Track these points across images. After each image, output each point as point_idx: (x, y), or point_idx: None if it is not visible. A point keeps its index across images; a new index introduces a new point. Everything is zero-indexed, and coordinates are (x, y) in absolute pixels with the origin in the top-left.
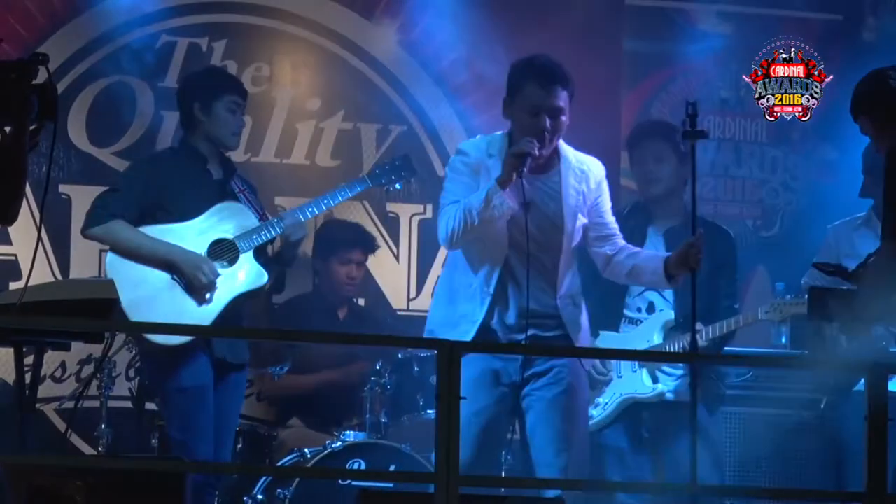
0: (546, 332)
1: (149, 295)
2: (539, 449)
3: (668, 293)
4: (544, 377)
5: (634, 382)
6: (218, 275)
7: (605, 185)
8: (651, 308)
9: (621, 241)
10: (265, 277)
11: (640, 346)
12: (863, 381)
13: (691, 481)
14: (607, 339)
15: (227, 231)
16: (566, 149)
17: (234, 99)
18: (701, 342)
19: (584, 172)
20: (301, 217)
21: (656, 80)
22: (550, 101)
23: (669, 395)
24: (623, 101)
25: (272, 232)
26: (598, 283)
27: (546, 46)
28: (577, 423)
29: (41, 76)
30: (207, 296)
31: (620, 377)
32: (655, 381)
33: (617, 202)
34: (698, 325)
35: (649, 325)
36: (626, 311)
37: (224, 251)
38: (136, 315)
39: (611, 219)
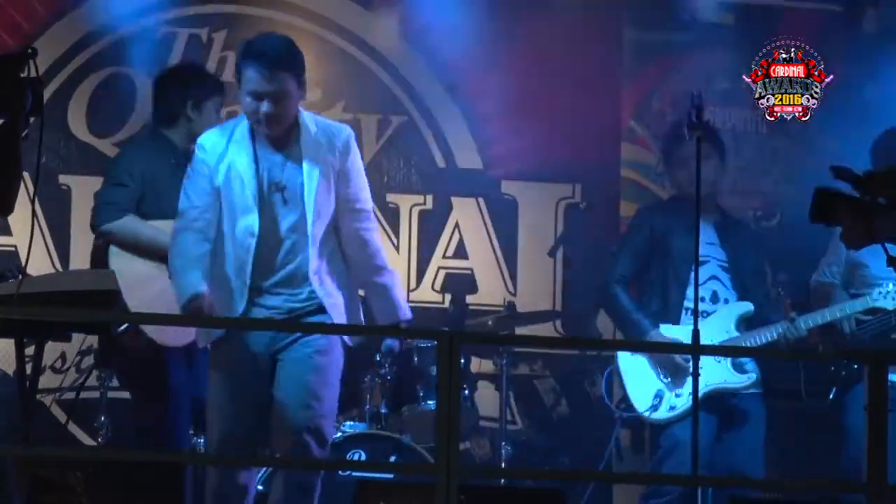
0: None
1: (154, 294)
2: (284, 404)
3: (727, 281)
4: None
5: (722, 372)
6: None
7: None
8: (715, 298)
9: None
10: None
11: (718, 338)
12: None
13: (693, 473)
14: (676, 332)
15: None
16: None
17: (221, 100)
18: (802, 332)
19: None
20: None
21: (657, 71)
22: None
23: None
24: (623, 91)
25: None
26: (654, 272)
27: (546, 36)
28: (329, 378)
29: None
30: None
31: (702, 368)
32: (741, 370)
33: (619, 194)
34: (792, 314)
35: (724, 316)
36: (687, 303)
37: None
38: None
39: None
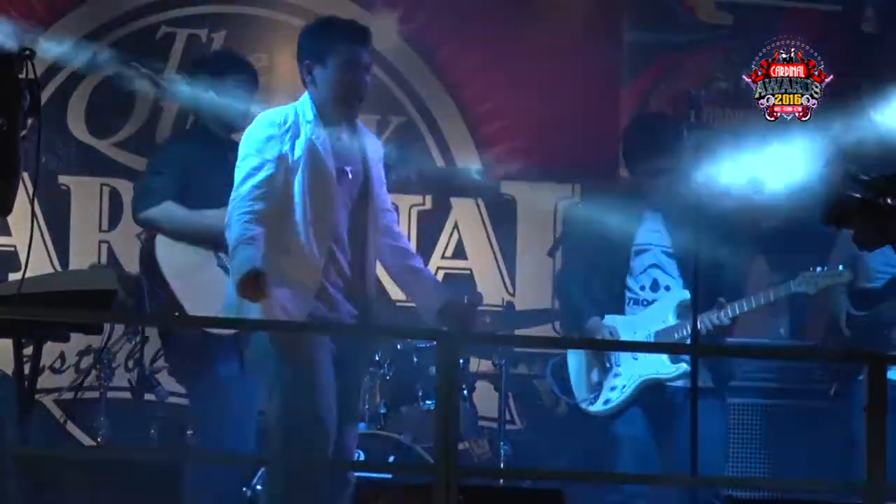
0: None
1: (201, 281)
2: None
3: (672, 269)
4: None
5: (655, 363)
6: None
7: None
8: (655, 285)
9: None
10: None
11: (656, 326)
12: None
13: (693, 472)
14: (618, 323)
15: None
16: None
17: (241, 80)
18: (726, 320)
19: None
20: None
21: (655, 71)
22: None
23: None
24: (622, 91)
25: None
26: (598, 266)
27: (546, 36)
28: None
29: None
30: None
31: (636, 359)
32: (676, 360)
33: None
34: (721, 299)
35: (663, 305)
36: (628, 293)
37: None
38: (188, 301)
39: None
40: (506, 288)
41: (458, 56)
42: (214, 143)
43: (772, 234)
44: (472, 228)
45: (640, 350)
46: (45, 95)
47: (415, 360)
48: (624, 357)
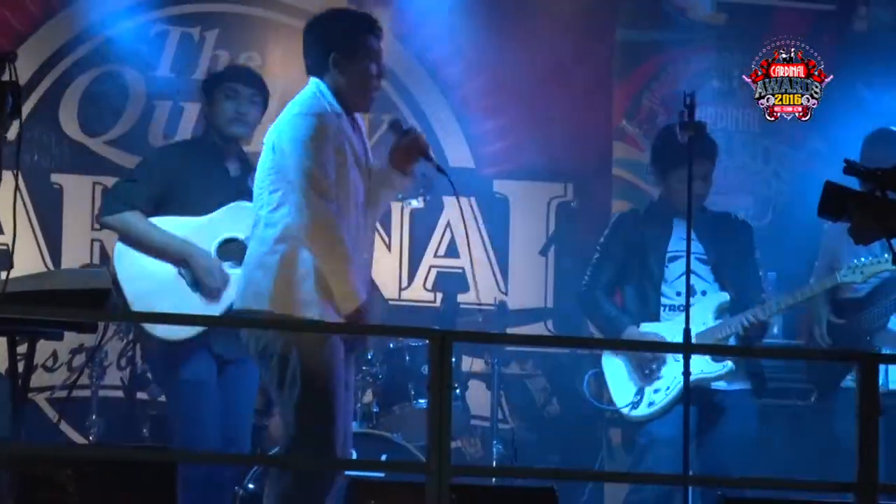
0: None
1: (154, 288)
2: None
3: (707, 274)
4: None
5: (698, 363)
6: (227, 280)
7: None
8: (691, 291)
9: None
10: None
11: (696, 329)
12: (850, 375)
13: (684, 472)
14: (656, 329)
15: (238, 231)
16: None
17: (232, 86)
18: (764, 316)
19: None
20: None
21: (647, 70)
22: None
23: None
24: (615, 90)
25: None
26: (631, 277)
27: (538, 35)
28: None
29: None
30: (213, 296)
31: (678, 361)
32: (720, 358)
33: (611, 193)
34: (764, 296)
35: (701, 308)
36: (664, 300)
37: (233, 251)
38: (140, 306)
39: None
40: (498, 287)
41: (450, 55)
42: (214, 151)
43: (763, 232)
44: (464, 227)
45: (628, 348)
46: (37, 94)
47: (407, 358)
48: (666, 360)
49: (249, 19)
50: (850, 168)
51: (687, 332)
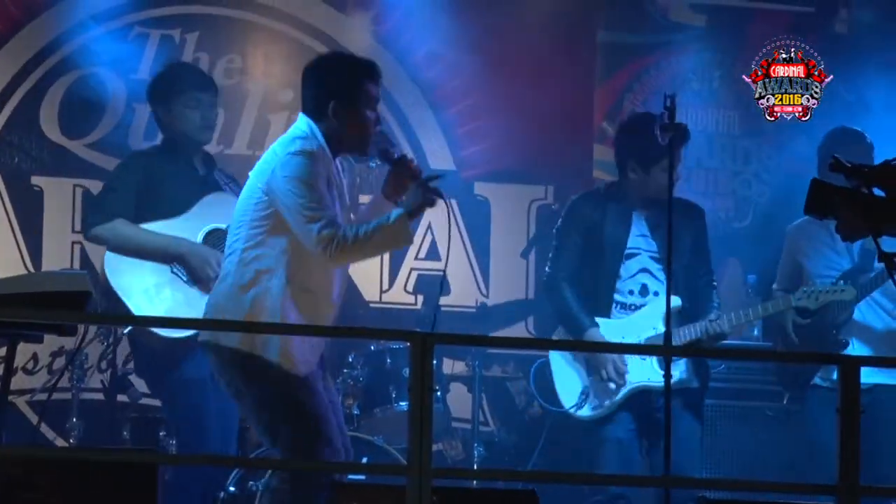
0: None
1: (153, 290)
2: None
3: (660, 274)
4: None
5: (646, 370)
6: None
7: None
8: (644, 290)
9: None
10: None
11: (646, 333)
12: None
13: (665, 473)
14: (604, 327)
15: (218, 221)
16: None
17: (193, 95)
18: (723, 328)
19: None
20: None
21: (629, 72)
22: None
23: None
24: (595, 92)
25: None
26: (586, 268)
27: (519, 38)
28: None
29: None
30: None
31: (625, 365)
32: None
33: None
34: (714, 315)
35: (651, 311)
36: (616, 297)
37: (219, 240)
38: (145, 311)
39: None
40: (479, 289)
41: (431, 57)
42: (178, 154)
43: (743, 234)
44: (446, 229)
45: (610, 351)
46: (17, 96)
47: (388, 361)
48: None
49: (230, 22)
50: (836, 165)
51: (668, 333)
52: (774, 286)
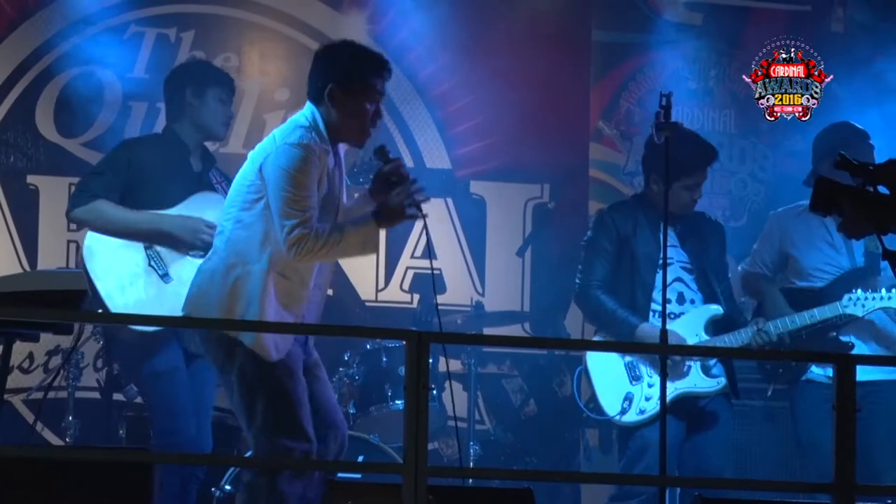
0: None
1: (125, 282)
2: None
3: (692, 283)
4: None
5: (693, 377)
6: (214, 228)
7: None
8: (681, 299)
9: None
10: None
11: (689, 340)
12: (811, 370)
13: (661, 473)
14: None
15: (205, 218)
16: None
17: (225, 90)
18: (770, 337)
19: None
20: None
21: (624, 71)
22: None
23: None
24: (592, 91)
25: None
26: (620, 278)
27: (515, 37)
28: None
29: None
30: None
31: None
32: (709, 374)
33: (588, 195)
34: (760, 324)
35: (693, 319)
36: (654, 305)
37: None
38: (112, 302)
39: None
40: (475, 288)
41: (427, 56)
42: (179, 147)
43: (738, 233)
44: (442, 228)
45: (608, 350)
46: (13, 95)
47: (384, 360)
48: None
49: (226, 20)
50: (842, 162)
51: (664, 332)
52: (744, 267)
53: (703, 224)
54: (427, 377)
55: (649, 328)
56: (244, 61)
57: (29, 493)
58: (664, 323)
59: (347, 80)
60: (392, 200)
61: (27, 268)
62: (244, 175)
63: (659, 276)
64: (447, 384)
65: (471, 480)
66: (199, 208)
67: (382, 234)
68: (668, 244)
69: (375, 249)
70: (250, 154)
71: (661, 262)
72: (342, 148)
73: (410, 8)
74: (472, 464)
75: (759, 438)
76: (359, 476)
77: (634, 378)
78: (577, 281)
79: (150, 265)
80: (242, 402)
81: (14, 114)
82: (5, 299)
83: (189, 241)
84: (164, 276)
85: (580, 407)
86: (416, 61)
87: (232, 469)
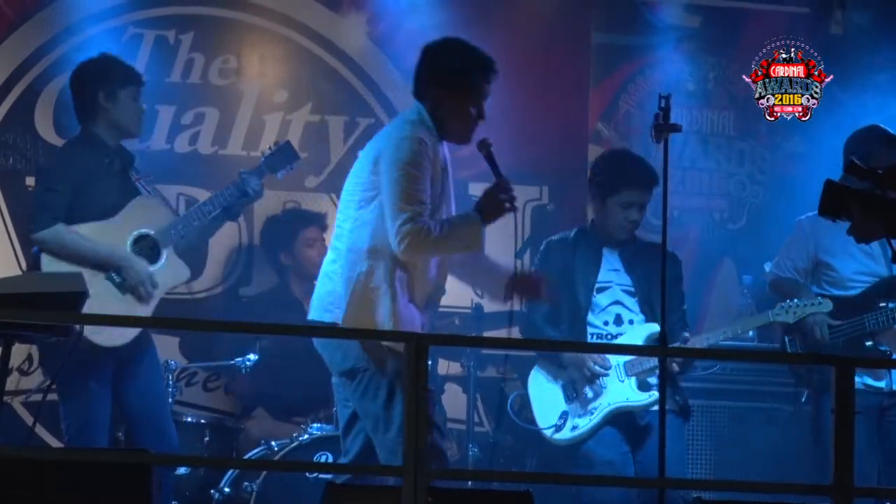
0: None
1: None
2: None
3: (634, 306)
4: None
5: (625, 391)
6: (156, 286)
7: None
8: (619, 320)
9: None
10: (187, 272)
11: (624, 359)
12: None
13: (660, 476)
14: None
15: (145, 227)
16: None
17: (136, 88)
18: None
19: None
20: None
21: (623, 73)
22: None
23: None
24: (590, 93)
25: (189, 225)
26: (562, 310)
27: (514, 39)
28: None
29: None
30: (145, 301)
31: (604, 388)
32: (646, 389)
33: (586, 196)
34: (687, 334)
35: (631, 338)
36: (590, 328)
37: (146, 247)
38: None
39: None
40: (474, 290)
41: None
42: (102, 149)
43: (737, 235)
44: None
45: (607, 352)
46: (12, 97)
47: None
48: (602, 389)
49: (225, 22)
50: (852, 167)
51: (663, 333)
52: (773, 271)
53: (654, 254)
54: (426, 379)
55: (574, 356)
56: (243, 63)
57: (28, 495)
58: (664, 323)
59: (453, 82)
60: (492, 197)
61: (26, 269)
62: (357, 172)
63: (596, 299)
64: (446, 386)
65: (470, 483)
66: (139, 214)
67: None
68: (612, 268)
69: (481, 246)
70: (362, 152)
71: (598, 285)
72: (447, 150)
73: (409, 10)
74: (471, 466)
75: (782, 443)
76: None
77: (570, 398)
78: (523, 313)
79: (107, 278)
80: (384, 408)
81: (13, 115)
82: (4, 301)
83: (131, 285)
84: (121, 289)
85: (516, 421)
86: (414, 63)
87: (231, 471)
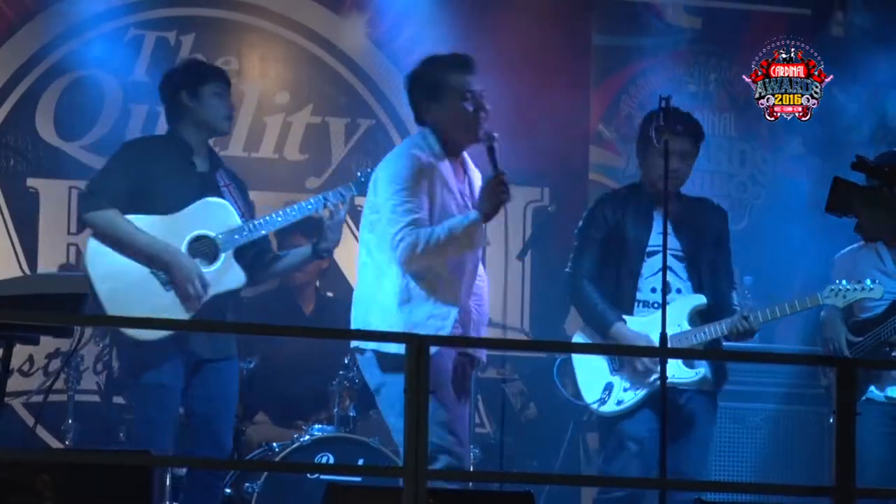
0: None
1: (127, 287)
2: None
3: (682, 272)
4: None
5: (671, 367)
6: (207, 286)
7: None
8: (666, 288)
9: None
10: (243, 278)
11: (670, 330)
12: (871, 390)
13: (662, 475)
14: (629, 324)
15: (207, 227)
16: None
17: (220, 84)
18: (752, 325)
19: None
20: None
21: (625, 75)
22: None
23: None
24: (591, 95)
25: (254, 233)
26: (608, 267)
27: (515, 41)
28: None
29: None
30: (191, 301)
31: (651, 361)
32: (691, 365)
33: (587, 198)
34: (745, 311)
35: (675, 309)
36: (638, 295)
37: (204, 248)
38: (112, 306)
39: None
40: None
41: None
42: (180, 147)
43: (739, 236)
44: None
45: (605, 353)
46: (13, 98)
47: None
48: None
49: (226, 23)
50: (859, 164)
51: (663, 336)
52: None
53: (702, 210)
54: (427, 380)
55: (623, 328)
56: (244, 64)
57: (28, 497)
58: (664, 324)
59: (436, 92)
60: (490, 194)
61: (27, 271)
62: (368, 194)
63: (646, 265)
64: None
65: (471, 484)
66: (204, 214)
67: None
68: (660, 231)
69: (483, 243)
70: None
71: (647, 249)
72: (468, 160)
73: (410, 12)
74: (472, 467)
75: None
76: (359, 479)
77: (615, 369)
78: (567, 270)
79: (151, 272)
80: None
81: (14, 117)
82: (5, 302)
83: (178, 283)
84: (166, 285)
85: (562, 392)
86: (415, 64)
87: (232, 472)
